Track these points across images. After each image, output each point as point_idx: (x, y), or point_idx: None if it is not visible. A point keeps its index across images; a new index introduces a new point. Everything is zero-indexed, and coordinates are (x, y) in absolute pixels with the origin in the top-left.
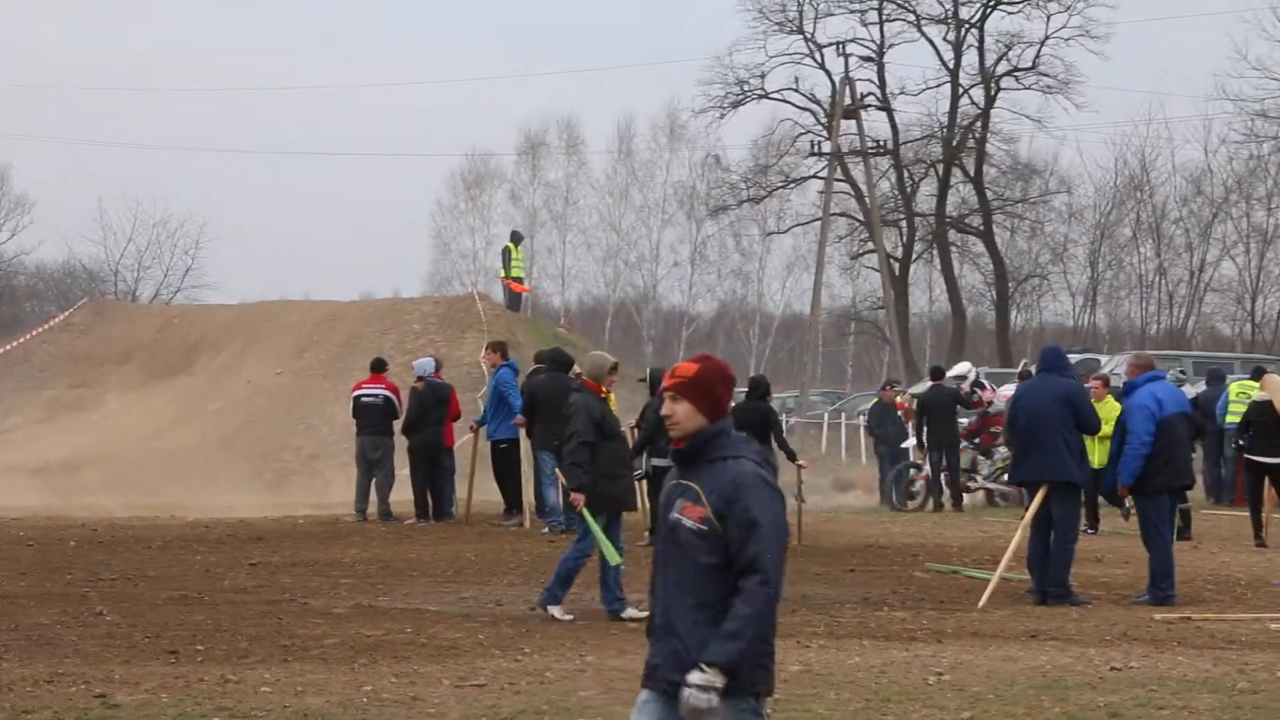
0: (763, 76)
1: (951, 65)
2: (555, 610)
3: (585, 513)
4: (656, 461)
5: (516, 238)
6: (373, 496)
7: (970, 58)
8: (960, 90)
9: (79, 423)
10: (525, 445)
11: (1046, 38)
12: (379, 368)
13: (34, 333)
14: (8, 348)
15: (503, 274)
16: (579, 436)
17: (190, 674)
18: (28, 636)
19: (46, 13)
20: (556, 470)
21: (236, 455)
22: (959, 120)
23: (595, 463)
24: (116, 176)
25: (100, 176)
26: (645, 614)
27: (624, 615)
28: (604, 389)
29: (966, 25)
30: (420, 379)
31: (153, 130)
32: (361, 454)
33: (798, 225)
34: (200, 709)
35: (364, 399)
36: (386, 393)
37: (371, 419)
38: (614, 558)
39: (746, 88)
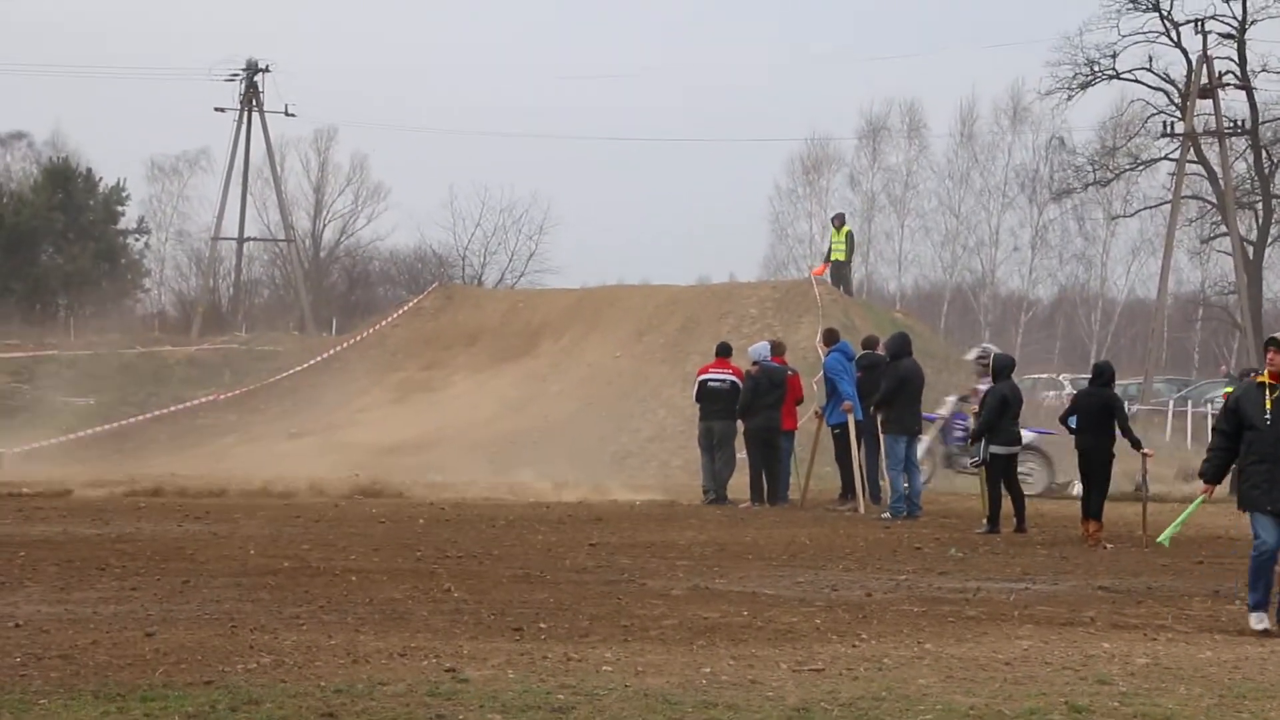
0: (1114, 56)
1: None
2: (1254, 619)
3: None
4: (995, 449)
5: (836, 220)
6: None
7: None
8: None
9: (428, 403)
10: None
11: None
12: (725, 352)
13: (390, 318)
14: (365, 333)
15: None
16: (1216, 426)
17: (534, 651)
18: (381, 611)
19: (398, 10)
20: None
21: (575, 438)
22: None
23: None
24: (467, 163)
25: (451, 164)
26: (1264, 626)
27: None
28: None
29: None
30: (755, 363)
31: (500, 118)
32: (707, 437)
33: (1145, 208)
34: (545, 685)
35: (711, 383)
36: (733, 377)
37: (718, 403)
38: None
39: (1096, 68)
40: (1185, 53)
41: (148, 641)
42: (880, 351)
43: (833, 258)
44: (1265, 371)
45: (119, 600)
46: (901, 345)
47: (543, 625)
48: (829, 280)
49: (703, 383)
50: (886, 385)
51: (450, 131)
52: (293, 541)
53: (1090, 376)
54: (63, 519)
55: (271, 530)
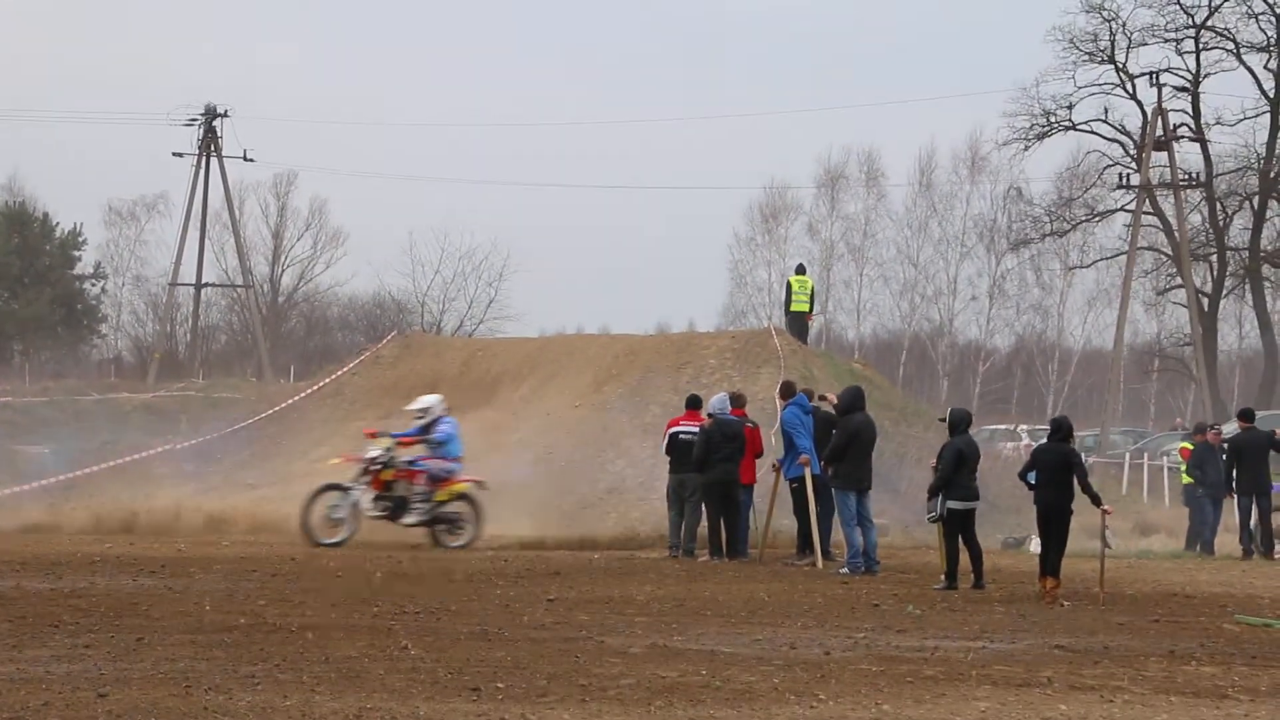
0: (1070, 108)
1: (1272, 94)
2: None
3: None
4: (952, 504)
5: (797, 270)
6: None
7: None
8: None
9: None
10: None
11: None
12: (695, 404)
13: (347, 366)
14: (323, 382)
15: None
16: None
17: (491, 712)
18: (338, 669)
19: (357, 58)
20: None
21: (534, 487)
22: (1278, 151)
23: None
24: (425, 210)
25: (410, 210)
26: None
27: None
28: None
29: None
30: (709, 415)
31: (459, 165)
32: (677, 490)
33: (1102, 259)
34: None
35: (682, 435)
36: None
37: (689, 455)
38: None
39: (1053, 119)
40: (1140, 105)
41: (100, 703)
42: (820, 404)
43: (794, 309)
44: None
45: (72, 659)
46: (854, 400)
47: (500, 685)
48: (788, 330)
49: (674, 435)
50: (836, 439)
51: (409, 177)
52: (249, 597)
53: (1049, 431)
54: (15, 573)
55: (227, 585)
